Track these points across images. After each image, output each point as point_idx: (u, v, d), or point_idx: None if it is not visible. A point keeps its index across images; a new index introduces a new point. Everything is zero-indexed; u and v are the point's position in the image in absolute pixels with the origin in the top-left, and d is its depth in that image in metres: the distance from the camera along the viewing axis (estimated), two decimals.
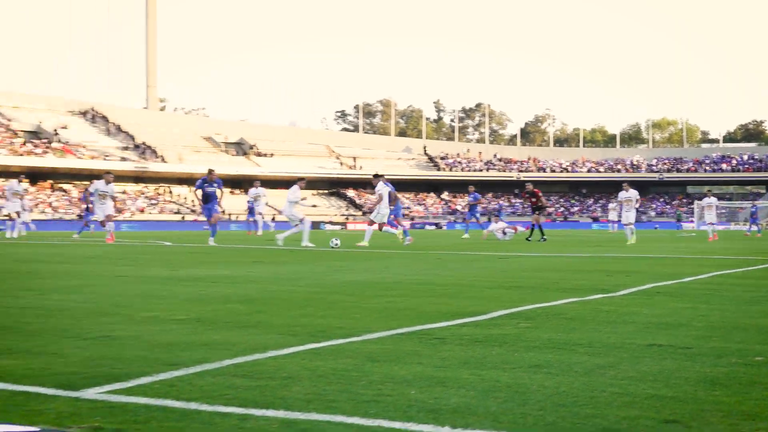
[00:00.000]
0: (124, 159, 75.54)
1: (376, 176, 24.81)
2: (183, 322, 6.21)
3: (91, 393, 3.78)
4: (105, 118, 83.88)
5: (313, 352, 4.92)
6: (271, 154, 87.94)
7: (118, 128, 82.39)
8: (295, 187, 22.65)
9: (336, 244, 21.00)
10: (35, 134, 74.93)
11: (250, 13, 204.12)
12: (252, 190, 37.41)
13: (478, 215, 35.71)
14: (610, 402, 3.64)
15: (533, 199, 30.47)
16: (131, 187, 76.18)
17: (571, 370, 4.37)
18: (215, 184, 24.07)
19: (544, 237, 29.06)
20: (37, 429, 3.15)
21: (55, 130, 75.95)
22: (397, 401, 3.63)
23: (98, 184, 26.23)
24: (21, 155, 68.51)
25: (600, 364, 4.53)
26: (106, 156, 74.78)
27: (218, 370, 4.34)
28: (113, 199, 26.56)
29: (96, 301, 7.60)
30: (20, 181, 29.76)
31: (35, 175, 68.92)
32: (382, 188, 24.15)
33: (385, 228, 24.02)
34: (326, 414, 3.40)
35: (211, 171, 24.58)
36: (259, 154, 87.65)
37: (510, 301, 7.76)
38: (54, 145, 72.66)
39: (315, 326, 5.98)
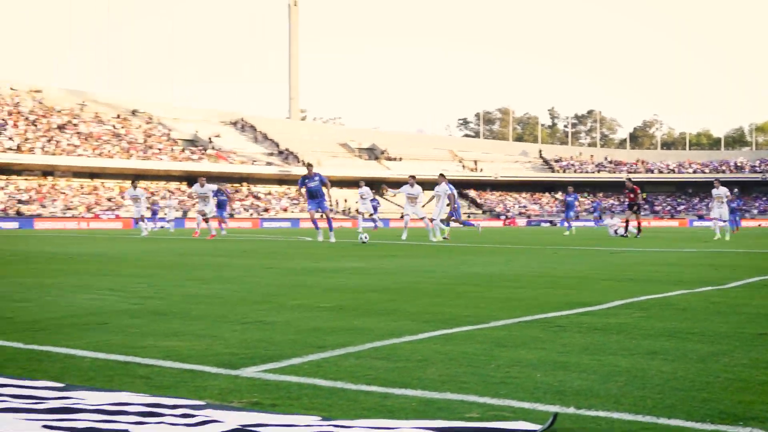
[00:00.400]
0: (269, 164, 77.26)
1: (441, 176, 24.27)
2: (327, 309, 6.29)
3: (248, 372, 3.86)
4: (253, 128, 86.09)
5: (444, 337, 4.91)
6: (400, 158, 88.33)
7: (265, 136, 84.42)
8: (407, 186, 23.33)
9: (364, 238, 20.49)
10: (192, 142, 77.40)
11: (380, 29, 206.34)
12: (360, 190, 35.96)
13: (572, 214, 34.92)
14: (725, 387, 3.51)
15: (631, 195, 29.46)
16: (276, 189, 77.82)
17: (686, 356, 4.24)
18: (316, 179, 21.50)
19: (639, 233, 28.15)
20: (203, 403, 3.24)
21: (210, 139, 78.32)
22: (524, 383, 3.60)
23: (195, 188, 27.02)
24: (180, 161, 70.85)
25: (713, 352, 4.38)
26: (254, 161, 76.56)
27: (360, 352, 4.38)
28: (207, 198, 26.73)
29: (250, 291, 7.74)
30: (135, 187, 29.52)
31: (192, 179, 71.29)
32: (444, 189, 23.74)
33: (435, 223, 23.10)
34: (459, 394, 3.39)
35: (309, 166, 22.14)
36: (389, 158, 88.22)
37: (624, 292, 7.58)
38: (209, 152, 74.93)
39: (445, 314, 5.96)
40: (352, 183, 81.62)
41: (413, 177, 23.83)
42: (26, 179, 64.54)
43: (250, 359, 4.15)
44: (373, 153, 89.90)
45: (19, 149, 63.78)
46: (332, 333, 5.05)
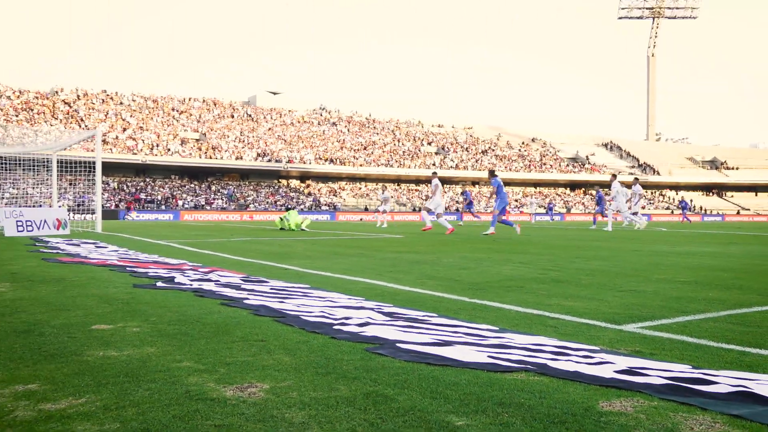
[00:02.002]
0: (630, 174, 72.93)
1: (492, 172, 17.15)
2: (684, 283, 5.77)
3: (629, 327, 3.69)
4: (619, 147, 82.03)
5: None
6: (736, 168, 78.20)
7: (627, 153, 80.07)
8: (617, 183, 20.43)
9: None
10: (574, 160, 75.85)
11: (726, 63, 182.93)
12: (633, 188, 26.84)
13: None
14: None
15: None
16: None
17: None
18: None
19: None
20: (597, 348, 3.16)
21: (587, 156, 76.20)
22: None
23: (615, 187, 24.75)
24: (565, 173, 69.88)
25: None
26: (619, 172, 72.82)
27: (717, 318, 3.96)
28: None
29: (622, 267, 7.34)
30: (384, 190, 25.94)
31: (573, 186, 70.22)
32: (617, 187, 20.28)
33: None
34: None
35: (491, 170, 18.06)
36: (727, 168, 78.57)
37: None
38: (586, 166, 72.97)
39: None
40: (696, 188, 74.46)
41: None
42: (461, 187, 68.25)
43: (629, 318, 3.96)
44: (713, 164, 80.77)
45: (456, 167, 68.03)
46: (691, 302, 4.63)
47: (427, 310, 4.24)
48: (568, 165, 72.63)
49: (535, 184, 70.82)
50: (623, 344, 3.26)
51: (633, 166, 76.57)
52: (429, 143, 73.66)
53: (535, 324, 3.79)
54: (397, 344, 3.21)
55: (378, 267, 7.21)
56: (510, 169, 69.15)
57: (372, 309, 4.21)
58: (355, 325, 3.67)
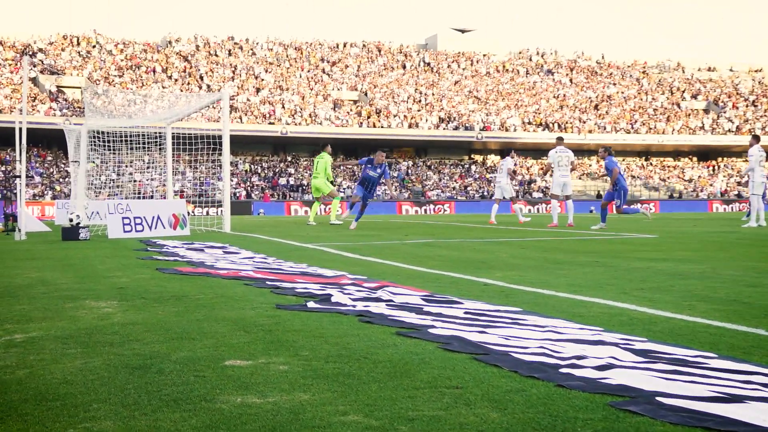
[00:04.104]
0: None
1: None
2: None
3: None
4: None
5: None
6: None
7: None
8: None
9: None
10: None
11: None
12: None
13: None
14: None
15: None
16: None
17: None
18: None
19: None
20: None
21: None
22: None
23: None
24: None
25: None
26: None
27: None
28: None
29: None
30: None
31: None
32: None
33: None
34: None
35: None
36: None
37: None
38: None
39: None
40: None
41: None
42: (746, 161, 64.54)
43: None
44: None
45: (738, 130, 64.18)
46: None
47: (700, 347, 4.16)
48: None
49: None
50: None
51: None
52: (694, 96, 70.46)
53: None
54: (657, 398, 3.18)
55: (621, 282, 7.16)
56: None
57: (616, 344, 4.16)
58: (593, 368, 3.64)
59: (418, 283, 7.17)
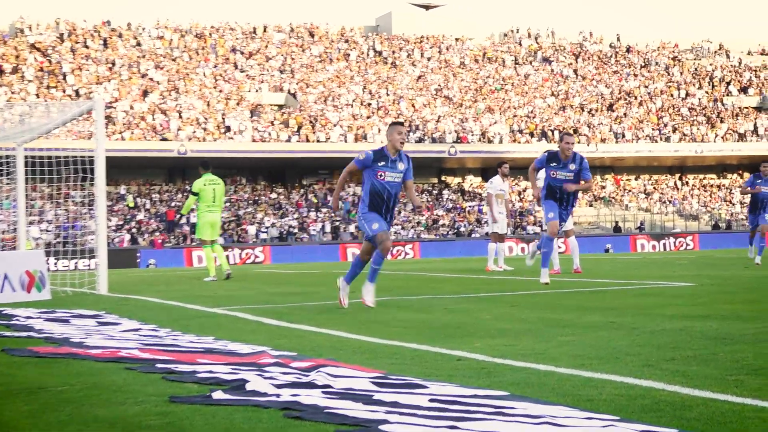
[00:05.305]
0: None
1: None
2: None
3: None
4: None
5: None
6: None
7: None
8: None
9: None
10: None
11: None
12: None
13: None
14: None
15: None
16: None
17: None
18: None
19: None
20: None
21: None
22: None
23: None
24: None
25: None
26: None
27: None
28: None
29: None
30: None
31: None
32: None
33: None
34: None
35: None
36: None
37: None
38: None
39: None
40: None
41: None
42: None
43: None
44: None
45: None
46: None
47: None
48: None
49: None
50: None
51: None
52: (743, 89, 71.61)
53: None
54: None
55: (644, 350, 7.23)
56: None
57: None
58: None
59: (367, 359, 7.16)
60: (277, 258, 49.16)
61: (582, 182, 15.53)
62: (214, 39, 68.32)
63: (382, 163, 12.70)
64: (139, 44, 66.25)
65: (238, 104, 60.95)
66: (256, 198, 58.71)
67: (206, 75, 63.75)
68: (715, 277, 17.14)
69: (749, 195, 22.28)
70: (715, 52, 78.39)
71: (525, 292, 14.71)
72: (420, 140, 60.25)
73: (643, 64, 74.77)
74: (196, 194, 22.58)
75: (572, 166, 15.35)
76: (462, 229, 56.84)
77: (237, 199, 57.67)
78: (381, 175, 12.63)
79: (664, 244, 53.46)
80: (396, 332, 9.13)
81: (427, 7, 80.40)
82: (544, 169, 16.11)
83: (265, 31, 71.36)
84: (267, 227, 54.59)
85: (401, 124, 13.02)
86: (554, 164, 15.46)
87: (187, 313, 12.62)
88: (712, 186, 68.11)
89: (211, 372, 6.67)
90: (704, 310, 10.52)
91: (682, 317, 9.70)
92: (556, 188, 15.53)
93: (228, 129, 57.62)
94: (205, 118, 58.06)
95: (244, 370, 6.67)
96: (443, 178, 65.96)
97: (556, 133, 61.95)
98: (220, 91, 61.89)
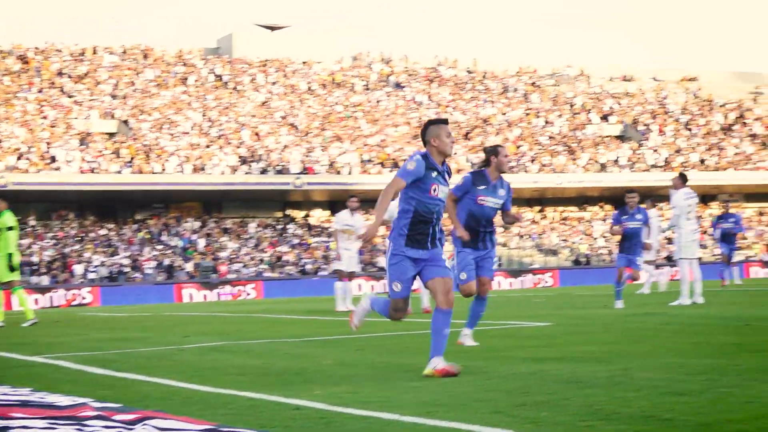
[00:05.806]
0: None
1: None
2: None
3: None
4: None
5: None
6: None
7: None
8: None
9: None
10: None
11: None
12: None
13: None
14: None
15: None
16: None
17: None
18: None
19: None
20: None
21: None
22: None
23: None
24: None
25: None
26: None
27: None
28: None
29: None
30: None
31: None
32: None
33: None
34: None
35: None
36: None
37: None
38: None
39: None
40: None
41: None
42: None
43: None
44: None
45: (667, 165, 66.95)
46: None
47: None
48: None
49: None
50: None
51: None
52: (604, 117, 73.27)
53: None
54: None
55: (494, 395, 7.29)
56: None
57: None
58: None
59: (198, 410, 7.11)
60: (107, 300, 48.41)
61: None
62: (38, 61, 67.25)
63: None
64: None
65: (64, 132, 60.00)
66: (84, 234, 57.75)
67: (29, 100, 62.65)
68: (572, 316, 17.48)
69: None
70: (576, 77, 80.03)
71: (373, 334, 14.76)
72: (263, 171, 60.15)
73: (501, 91, 75.99)
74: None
75: (501, 192, 12.49)
76: (308, 266, 56.80)
77: (63, 236, 56.70)
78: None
79: (521, 281, 54.25)
80: (231, 380, 9.11)
81: (272, 28, 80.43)
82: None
83: (94, 52, 70.51)
84: (96, 266, 53.76)
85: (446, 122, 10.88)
86: (482, 187, 12.38)
87: (3, 363, 12.37)
88: (572, 219, 69.37)
89: (25, 427, 6.54)
90: (559, 351, 10.73)
91: (536, 360, 9.86)
92: (481, 218, 12.47)
93: (53, 159, 56.67)
94: (28, 148, 56.98)
95: (61, 425, 6.56)
96: (288, 212, 65.89)
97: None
98: (45, 118, 60.85)
